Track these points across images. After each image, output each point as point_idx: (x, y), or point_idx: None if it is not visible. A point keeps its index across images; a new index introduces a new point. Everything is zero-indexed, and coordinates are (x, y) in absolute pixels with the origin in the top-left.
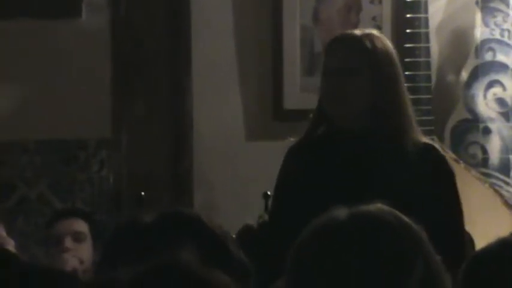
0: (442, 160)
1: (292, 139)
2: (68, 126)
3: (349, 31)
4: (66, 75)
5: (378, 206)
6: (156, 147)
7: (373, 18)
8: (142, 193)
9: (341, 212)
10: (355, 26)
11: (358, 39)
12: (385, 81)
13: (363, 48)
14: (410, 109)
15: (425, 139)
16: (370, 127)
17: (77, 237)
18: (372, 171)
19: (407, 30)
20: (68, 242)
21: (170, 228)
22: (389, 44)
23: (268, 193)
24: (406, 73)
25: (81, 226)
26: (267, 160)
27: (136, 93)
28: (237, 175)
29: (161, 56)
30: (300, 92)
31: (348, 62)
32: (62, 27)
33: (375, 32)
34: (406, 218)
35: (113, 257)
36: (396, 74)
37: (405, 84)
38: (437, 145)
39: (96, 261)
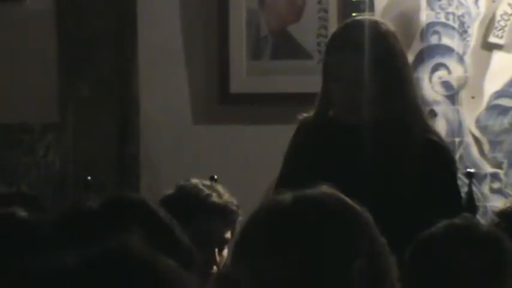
0: (443, 154)
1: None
2: (13, 110)
3: (350, 24)
4: (10, 58)
5: (322, 190)
6: (102, 130)
7: (319, 2)
8: (89, 177)
9: (286, 196)
10: (301, 10)
11: (364, 39)
12: (395, 80)
13: (372, 52)
14: (419, 101)
15: (433, 132)
16: (377, 120)
17: None
18: (372, 161)
19: (353, 14)
20: None
21: (116, 213)
22: (393, 32)
23: (215, 177)
24: None
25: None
26: (213, 144)
27: (82, 76)
28: (183, 159)
29: (107, 39)
30: (246, 76)
31: (359, 68)
32: (6, 10)
33: (377, 21)
34: (349, 201)
35: (58, 242)
36: (404, 69)
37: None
38: (440, 138)
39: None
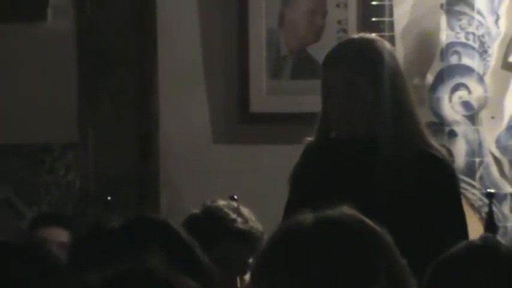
0: (444, 169)
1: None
2: (34, 130)
3: (344, 41)
4: (31, 78)
5: (343, 211)
6: (122, 150)
7: (339, 22)
8: (109, 197)
9: (307, 217)
10: (321, 30)
11: (358, 56)
12: (391, 94)
13: (365, 67)
14: (417, 117)
15: (433, 147)
16: (373, 135)
17: (61, 248)
18: (374, 178)
19: (373, 34)
20: None
21: (137, 234)
22: (389, 49)
23: (235, 197)
24: None
25: (63, 235)
26: (233, 163)
27: (102, 96)
28: (203, 178)
29: (127, 59)
30: (266, 95)
31: (352, 83)
32: (28, 31)
33: (371, 39)
34: (370, 222)
35: (80, 263)
36: (401, 84)
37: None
38: (441, 153)
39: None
